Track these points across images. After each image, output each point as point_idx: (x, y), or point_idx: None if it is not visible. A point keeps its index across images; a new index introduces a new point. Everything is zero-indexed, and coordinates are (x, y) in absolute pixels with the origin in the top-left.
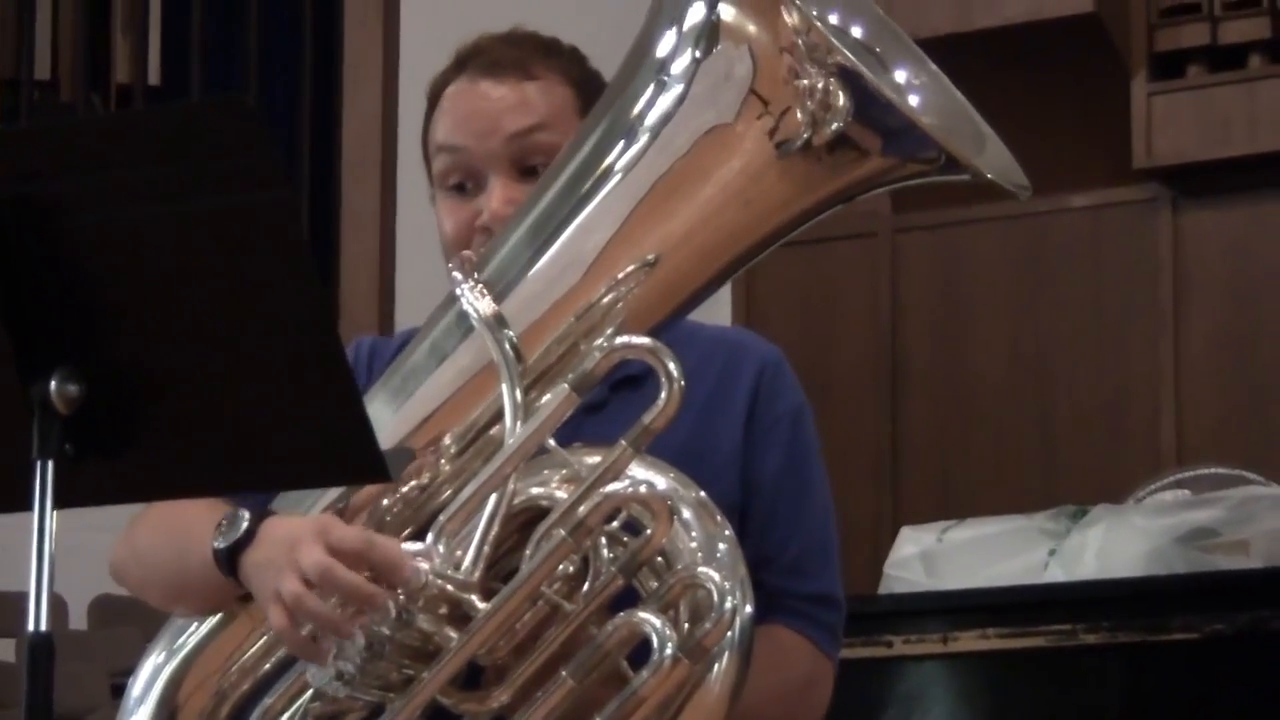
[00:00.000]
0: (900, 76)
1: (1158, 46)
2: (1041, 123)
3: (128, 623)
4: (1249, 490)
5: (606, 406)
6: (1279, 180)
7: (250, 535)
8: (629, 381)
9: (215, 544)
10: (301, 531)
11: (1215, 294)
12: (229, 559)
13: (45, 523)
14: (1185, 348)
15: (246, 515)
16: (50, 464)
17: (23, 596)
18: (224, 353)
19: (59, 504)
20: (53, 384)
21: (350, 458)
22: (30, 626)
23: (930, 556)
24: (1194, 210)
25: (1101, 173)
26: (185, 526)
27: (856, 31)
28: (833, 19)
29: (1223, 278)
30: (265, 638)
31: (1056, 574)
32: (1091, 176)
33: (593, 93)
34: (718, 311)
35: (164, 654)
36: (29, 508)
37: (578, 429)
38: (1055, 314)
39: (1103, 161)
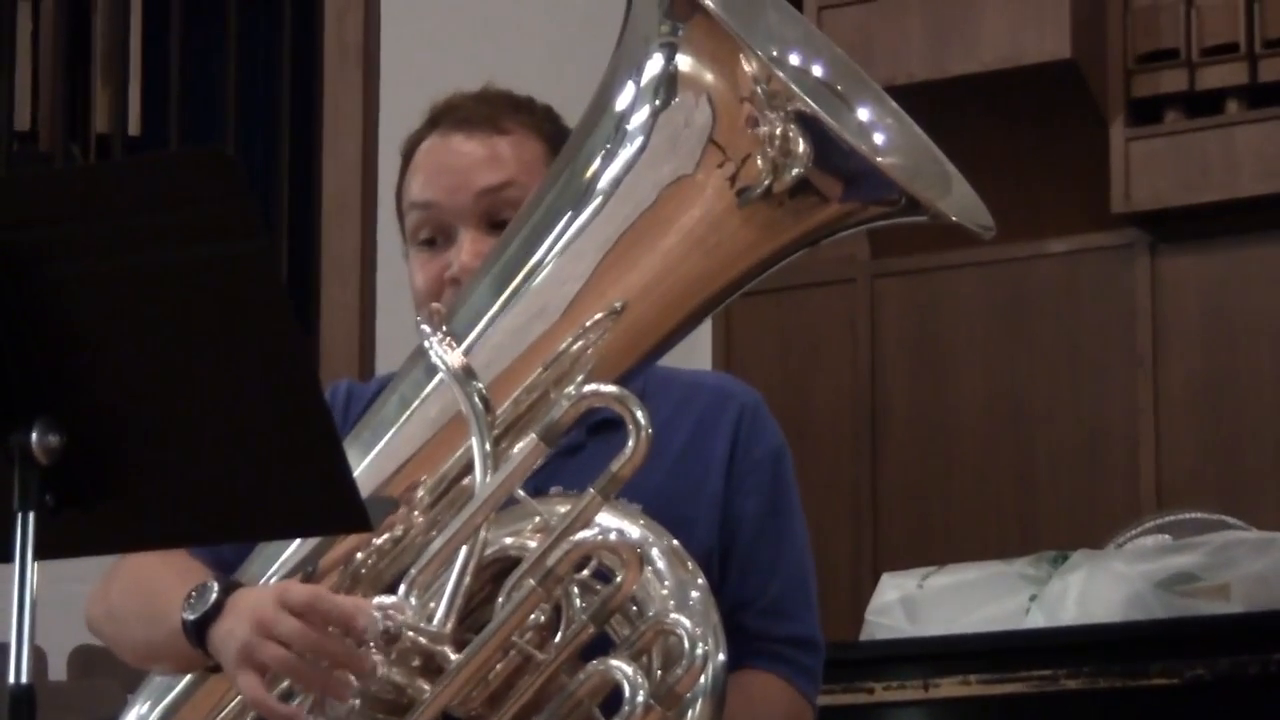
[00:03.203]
0: (864, 115)
1: (1135, 92)
2: (1019, 168)
3: (108, 674)
4: (1229, 535)
5: (584, 450)
6: (1257, 225)
7: (219, 608)
8: (606, 425)
9: (184, 615)
10: (264, 600)
11: (1193, 339)
12: (198, 631)
13: (26, 574)
14: (1164, 392)
15: (215, 587)
16: (30, 515)
17: (3, 648)
18: (204, 402)
19: (39, 555)
20: (33, 435)
21: (331, 507)
22: (11, 678)
23: (911, 602)
24: (1172, 255)
25: (1079, 218)
26: (156, 591)
27: (818, 71)
28: (793, 59)
29: (1201, 322)
30: None
31: (1037, 620)
32: (1069, 222)
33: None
34: (697, 357)
35: (146, 705)
36: (9, 559)
37: (556, 473)
38: (1034, 358)
39: (1080, 207)
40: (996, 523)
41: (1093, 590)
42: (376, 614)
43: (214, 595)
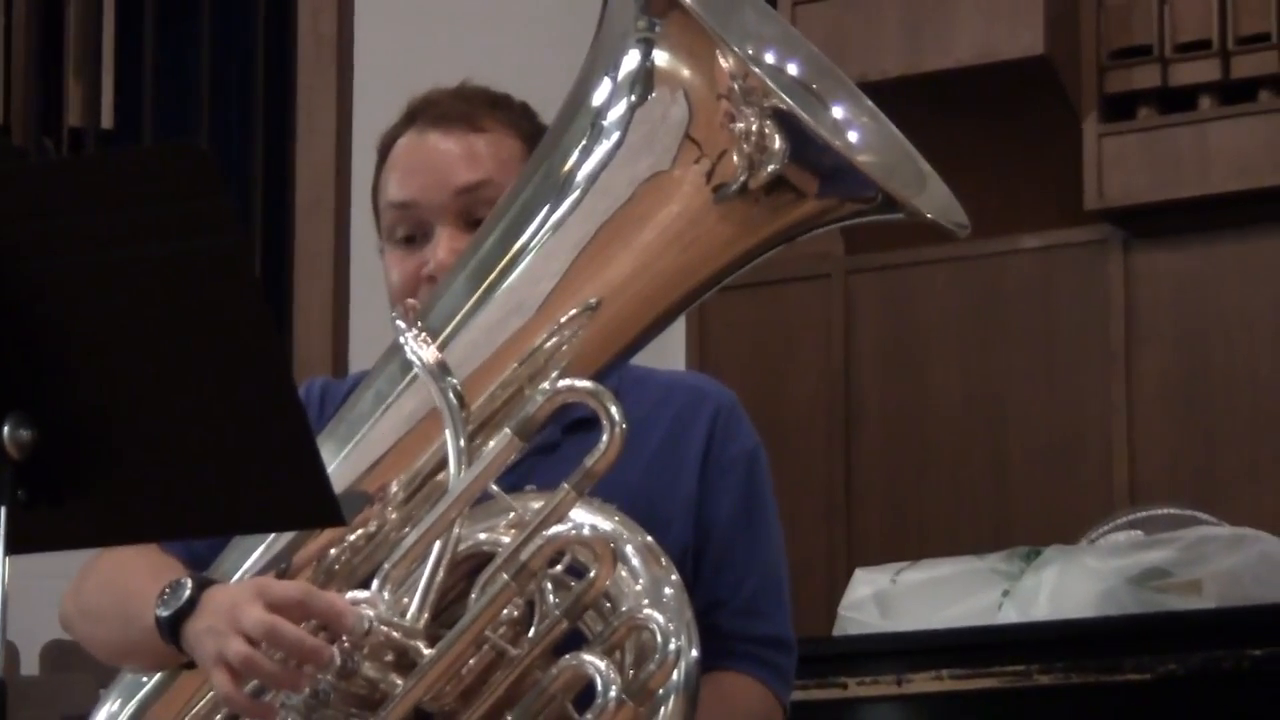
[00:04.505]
0: (839, 113)
1: (1108, 88)
2: (992, 164)
3: (81, 669)
4: (1201, 531)
5: (559, 448)
6: (1230, 221)
7: (193, 604)
8: (582, 424)
9: (158, 612)
10: (240, 594)
11: (1166, 334)
12: (171, 628)
13: None
14: (1137, 388)
15: (189, 584)
16: (2, 510)
17: None
18: (178, 397)
19: (11, 550)
20: (5, 429)
21: (305, 502)
22: None
23: (884, 598)
24: (1145, 251)
25: (1053, 214)
26: (130, 588)
27: (793, 69)
28: (769, 58)
29: (1174, 318)
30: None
31: (1010, 615)
32: (1043, 217)
33: None
34: (671, 352)
35: (119, 701)
36: None
37: (531, 471)
38: (1007, 354)
39: (1054, 203)
40: (970, 518)
41: (1065, 586)
42: (370, 612)
43: (188, 592)
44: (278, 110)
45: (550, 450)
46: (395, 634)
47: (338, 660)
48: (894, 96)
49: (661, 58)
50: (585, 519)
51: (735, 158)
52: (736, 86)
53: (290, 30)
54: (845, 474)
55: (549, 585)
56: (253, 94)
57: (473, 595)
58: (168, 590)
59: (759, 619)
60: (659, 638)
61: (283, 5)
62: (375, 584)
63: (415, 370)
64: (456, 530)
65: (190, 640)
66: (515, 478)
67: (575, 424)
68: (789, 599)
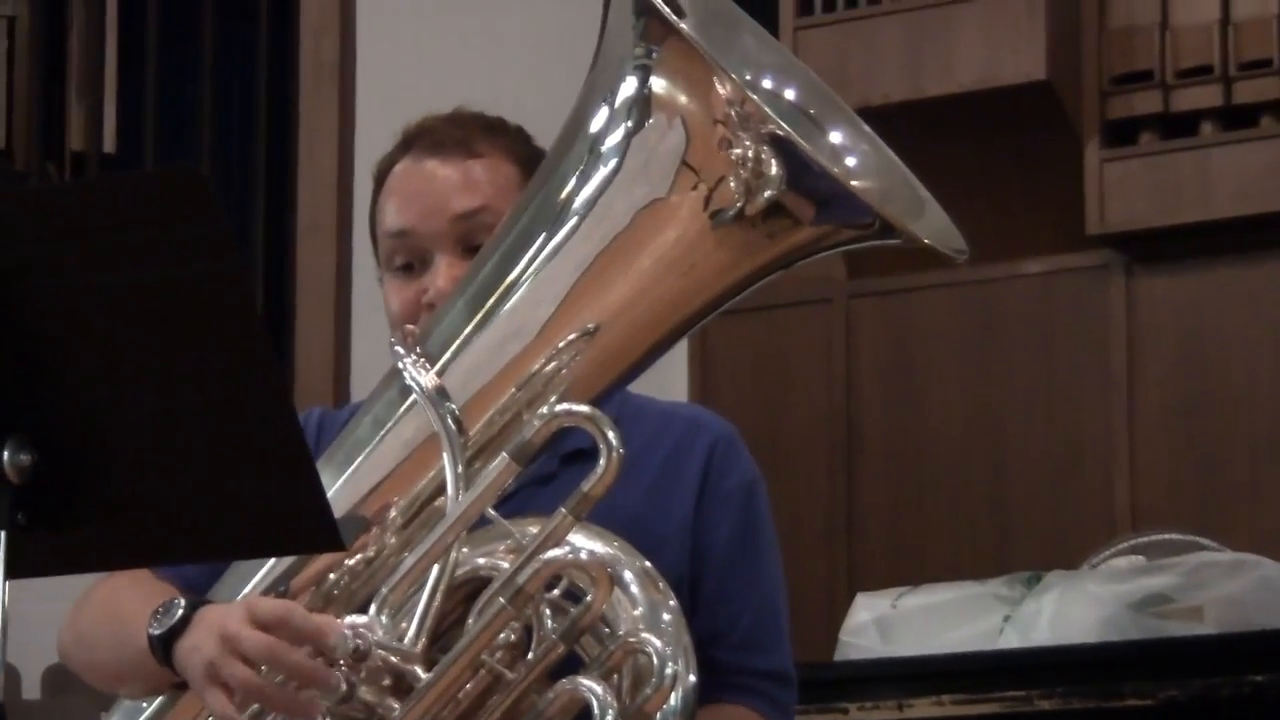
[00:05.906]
0: (836, 139)
1: (1110, 114)
2: (994, 189)
3: (82, 693)
4: (1203, 556)
5: (556, 479)
6: (1231, 247)
7: (185, 623)
8: (580, 454)
9: (151, 631)
10: (229, 613)
11: (1168, 360)
12: (164, 647)
13: None
14: (1138, 413)
15: (182, 603)
16: (2, 534)
17: None
18: (177, 421)
19: (11, 574)
20: (5, 453)
21: (303, 527)
22: None
23: (885, 623)
24: (1147, 276)
25: (1054, 239)
26: (124, 613)
27: (790, 95)
28: (766, 83)
29: (1175, 344)
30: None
31: (1011, 640)
32: (1044, 243)
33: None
34: (673, 376)
35: None
36: None
37: (528, 501)
38: (1009, 380)
39: (1056, 228)
40: (971, 543)
41: (1066, 611)
42: (347, 632)
43: (180, 611)
44: (279, 134)
45: (548, 481)
46: (393, 658)
47: (344, 686)
48: (895, 121)
49: (659, 84)
50: (583, 544)
51: (732, 183)
52: (733, 112)
53: (291, 54)
54: (846, 498)
55: (546, 609)
56: (254, 118)
57: (470, 620)
58: (161, 610)
59: (758, 652)
60: (656, 661)
61: (284, 29)
62: (373, 608)
63: (414, 396)
64: (454, 555)
65: (181, 660)
66: (513, 508)
67: (573, 454)
68: (788, 632)
